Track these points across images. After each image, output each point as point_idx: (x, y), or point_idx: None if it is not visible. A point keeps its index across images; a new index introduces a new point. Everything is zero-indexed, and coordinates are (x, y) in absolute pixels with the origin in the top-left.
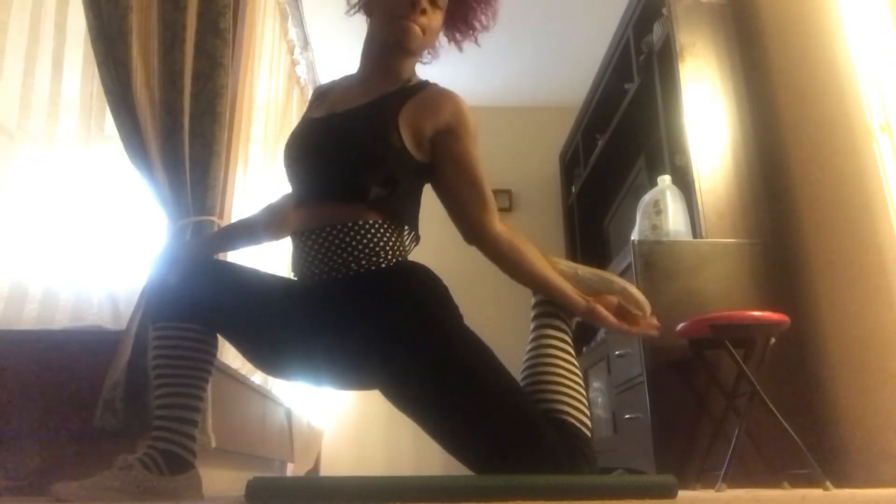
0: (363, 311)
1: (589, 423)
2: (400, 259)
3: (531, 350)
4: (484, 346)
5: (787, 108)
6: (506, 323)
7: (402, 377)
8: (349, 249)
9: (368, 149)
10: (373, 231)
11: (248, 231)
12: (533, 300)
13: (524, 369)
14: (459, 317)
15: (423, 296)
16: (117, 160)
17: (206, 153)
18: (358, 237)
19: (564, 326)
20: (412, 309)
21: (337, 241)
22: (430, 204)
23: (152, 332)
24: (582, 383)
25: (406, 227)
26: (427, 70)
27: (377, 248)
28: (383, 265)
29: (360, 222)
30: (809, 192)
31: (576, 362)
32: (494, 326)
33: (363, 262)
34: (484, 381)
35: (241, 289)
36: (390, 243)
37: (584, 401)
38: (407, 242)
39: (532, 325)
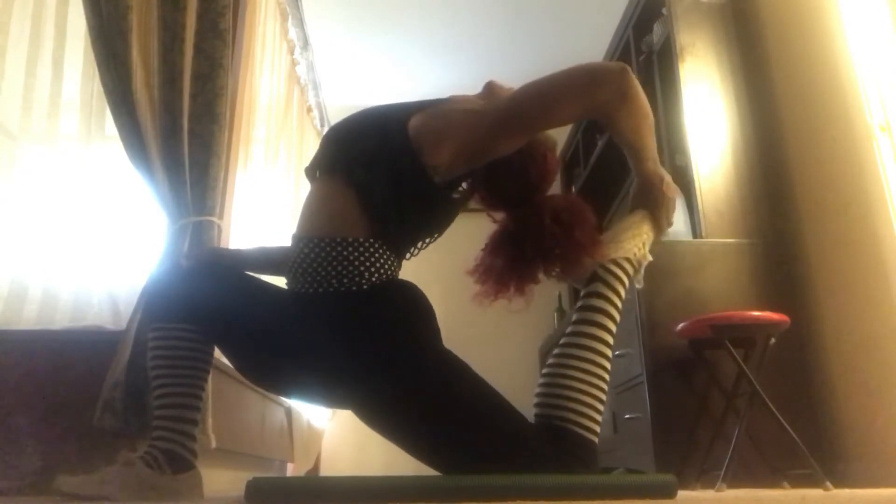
0: (337, 332)
1: (597, 426)
2: (384, 280)
3: (558, 347)
4: (461, 368)
5: (787, 108)
6: (501, 337)
7: (375, 401)
8: (334, 264)
9: (365, 122)
10: (360, 250)
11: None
12: (582, 291)
13: (545, 365)
14: (433, 340)
15: (394, 321)
16: (117, 160)
17: (205, 153)
18: (345, 254)
19: (607, 322)
20: (383, 334)
21: (324, 255)
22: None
23: (150, 332)
24: (603, 385)
25: (394, 252)
26: (426, 71)
27: (361, 269)
28: (365, 286)
29: (351, 239)
30: (809, 192)
31: (604, 361)
32: (490, 340)
33: (345, 279)
34: (458, 401)
35: (237, 293)
36: (377, 265)
37: (599, 405)
38: (391, 266)
39: (572, 317)
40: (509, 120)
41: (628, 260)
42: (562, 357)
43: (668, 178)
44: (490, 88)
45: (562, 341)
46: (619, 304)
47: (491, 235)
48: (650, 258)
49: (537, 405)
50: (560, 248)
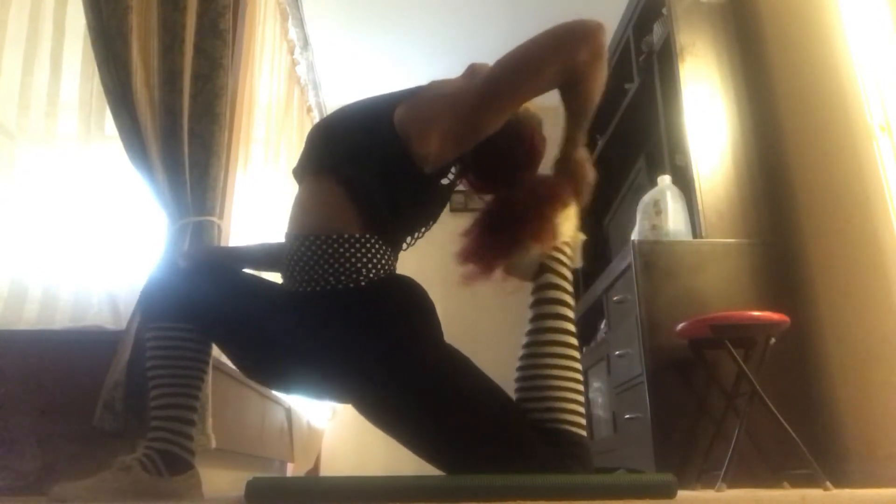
0: (337, 330)
1: (583, 420)
2: (382, 275)
3: (526, 346)
4: (463, 363)
5: (786, 108)
6: (501, 333)
7: (377, 397)
8: (330, 262)
9: (349, 118)
10: (356, 246)
11: (263, 257)
12: (533, 285)
13: (518, 368)
14: (434, 335)
15: (394, 318)
16: (117, 160)
17: (205, 153)
18: (340, 251)
19: (567, 311)
20: (383, 331)
21: (319, 253)
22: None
23: (147, 332)
24: (579, 377)
25: (390, 245)
26: (426, 71)
27: (358, 265)
28: (363, 283)
29: (347, 235)
30: (809, 192)
31: (574, 352)
32: (489, 337)
33: (342, 277)
34: (461, 397)
35: (234, 292)
36: (373, 260)
37: (580, 398)
38: (388, 260)
39: (531, 314)
40: (492, 92)
41: (566, 243)
42: (536, 357)
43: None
44: (472, 70)
45: (529, 340)
46: (571, 288)
47: (476, 217)
48: (583, 236)
49: (524, 409)
50: (526, 221)
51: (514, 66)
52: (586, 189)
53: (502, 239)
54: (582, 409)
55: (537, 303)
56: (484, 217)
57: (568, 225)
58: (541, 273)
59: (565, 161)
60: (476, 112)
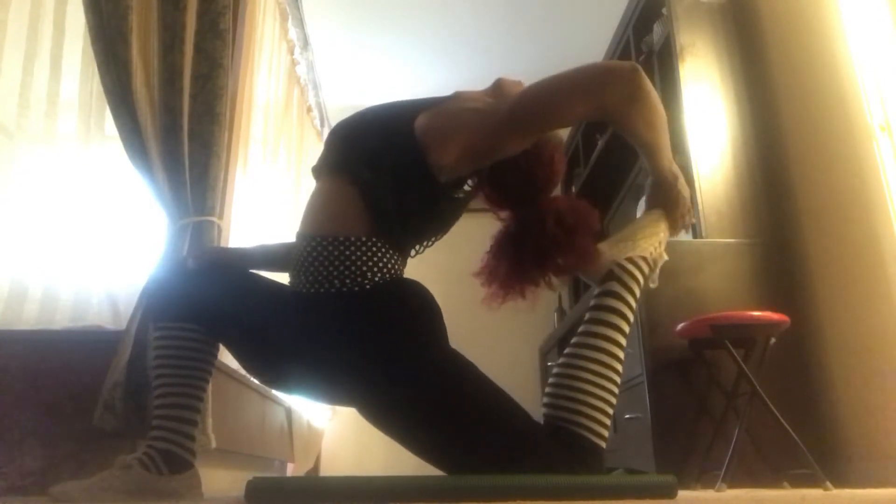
0: (340, 332)
1: (606, 432)
2: (387, 279)
3: (570, 346)
4: (467, 367)
5: (787, 108)
6: (501, 334)
7: (381, 401)
8: (335, 264)
9: (371, 120)
10: (363, 249)
11: (266, 258)
12: (597, 289)
13: (556, 365)
14: (439, 339)
15: (399, 321)
16: (117, 160)
17: (205, 153)
18: (346, 253)
19: (621, 323)
20: (387, 334)
21: (325, 254)
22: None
23: (153, 332)
24: (614, 388)
25: (397, 250)
26: (426, 70)
27: (364, 268)
28: (368, 286)
29: (353, 238)
30: (809, 192)
31: (616, 363)
32: (489, 338)
33: (347, 280)
34: (466, 400)
35: (241, 292)
36: (379, 264)
37: (608, 409)
38: (394, 264)
39: (586, 316)
40: (517, 120)
41: (644, 259)
42: (574, 358)
43: (682, 176)
44: (499, 85)
45: (575, 340)
46: (634, 304)
47: (495, 237)
48: (666, 257)
49: (547, 405)
50: (560, 251)
51: (543, 98)
52: (682, 213)
53: (526, 264)
54: (607, 421)
55: (594, 308)
56: (507, 238)
57: (652, 241)
58: (607, 280)
59: (654, 188)
60: (499, 134)
